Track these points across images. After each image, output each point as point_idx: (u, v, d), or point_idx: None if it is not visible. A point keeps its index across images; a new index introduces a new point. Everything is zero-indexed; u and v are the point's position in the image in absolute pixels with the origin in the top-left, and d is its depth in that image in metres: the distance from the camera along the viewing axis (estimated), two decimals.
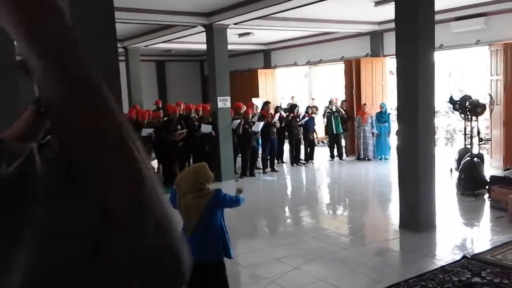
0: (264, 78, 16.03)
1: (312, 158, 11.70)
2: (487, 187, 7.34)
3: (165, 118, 10.35)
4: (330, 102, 12.13)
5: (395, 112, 8.09)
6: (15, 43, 0.48)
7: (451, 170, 8.86)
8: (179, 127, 9.74)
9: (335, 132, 11.81)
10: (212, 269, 3.38)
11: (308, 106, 12.23)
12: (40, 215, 0.47)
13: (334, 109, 11.87)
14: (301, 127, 11.37)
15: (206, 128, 9.78)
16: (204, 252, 3.33)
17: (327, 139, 12.73)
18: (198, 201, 3.33)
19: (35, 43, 0.46)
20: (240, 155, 10.52)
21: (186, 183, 3.39)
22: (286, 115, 11.41)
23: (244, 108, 10.98)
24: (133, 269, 0.48)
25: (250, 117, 10.69)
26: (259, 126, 10.28)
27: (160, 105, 13.16)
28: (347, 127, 12.00)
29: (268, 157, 10.82)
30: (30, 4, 0.45)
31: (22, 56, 0.48)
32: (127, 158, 0.50)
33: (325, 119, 12.22)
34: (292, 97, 14.67)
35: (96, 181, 0.48)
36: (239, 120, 10.16)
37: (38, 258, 0.46)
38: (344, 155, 12.08)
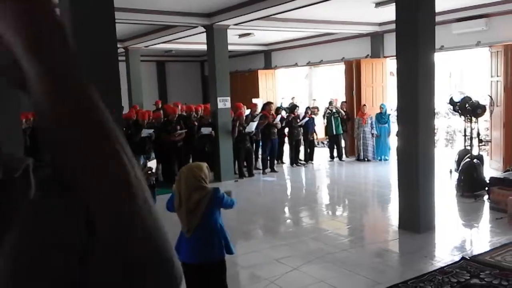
0: (265, 78, 16.04)
1: (312, 159, 11.70)
2: (486, 188, 7.34)
3: (165, 119, 10.35)
4: (330, 103, 12.13)
5: (395, 113, 8.10)
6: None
7: (450, 171, 8.86)
8: (178, 127, 9.75)
9: (335, 133, 11.81)
10: (213, 269, 3.37)
11: (308, 107, 12.23)
12: (24, 228, 0.47)
13: (334, 110, 11.87)
14: (301, 128, 11.37)
15: (206, 130, 9.78)
16: (205, 252, 3.33)
17: (327, 140, 12.73)
18: (197, 201, 3.32)
19: (37, 63, 0.46)
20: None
21: (186, 179, 3.36)
22: (287, 116, 11.41)
23: (244, 109, 10.98)
24: (119, 284, 0.48)
25: (250, 118, 10.69)
26: (252, 126, 10.28)
27: (160, 106, 13.16)
28: (347, 128, 12.00)
29: (268, 158, 10.82)
30: (33, 24, 0.45)
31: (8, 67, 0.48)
32: (117, 168, 0.49)
33: (325, 120, 12.22)
34: (293, 98, 14.67)
35: (82, 193, 0.48)
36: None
37: (16, 268, 0.46)
38: (344, 156, 12.08)
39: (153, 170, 2.53)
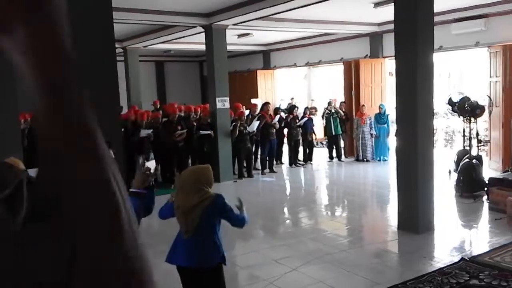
0: (263, 79, 16.03)
1: (311, 159, 11.69)
2: (485, 188, 7.34)
3: (164, 119, 10.34)
4: (329, 103, 12.13)
5: (394, 114, 8.09)
6: None
7: (449, 172, 8.85)
8: (179, 127, 9.73)
9: (334, 133, 11.81)
10: (207, 275, 3.27)
11: (307, 107, 12.22)
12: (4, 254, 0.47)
13: (333, 111, 11.86)
14: (300, 128, 11.36)
15: (204, 132, 9.77)
16: (199, 257, 3.24)
17: (326, 140, 12.73)
18: (195, 204, 3.24)
19: (42, 83, 0.47)
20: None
21: (187, 182, 3.30)
22: (286, 116, 11.41)
23: (243, 109, 10.97)
24: None
25: (250, 118, 10.68)
26: (254, 126, 10.27)
27: (158, 106, 13.14)
28: (345, 128, 11.99)
29: (267, 158, 10.81)
30: (39, 49, 0.47)
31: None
32: (107, 202, 0.49)
33: (324, 120, 12.21)
34: (292, 98, 14.66)
35: (70, 220, 0.47)
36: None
37: None
38: (343, 156, 12.08)
39: (152, 171, 2.51)
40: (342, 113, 11.84)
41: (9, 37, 0.46)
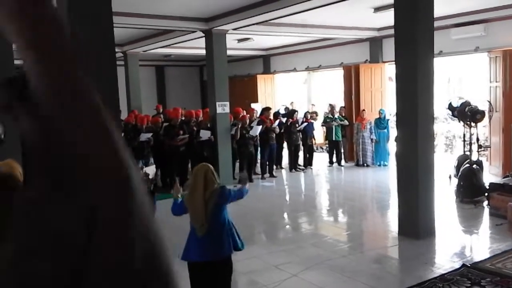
0: (263, 83, 16.03)
1: (311, 164, 11.67)
2: (486, 194, 7.31)
3: (165, 124, 10.32)
4: (332, 108, 12.08)
5: (394, 118, 8.08)
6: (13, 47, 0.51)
7: (450, 177, 8.83)
8: (181, 132, 9.72)
9: (334, 139, 11.79)
10: (221, 267, 3.47)
11: (307, 112, 12.21)
12: (22, 226, 0.47)
13: (336, 116, 11.81)
14: (300, 133, 11.35)
15: (205, 134, 9.75)
16: (216, 250, 3.43)
17: (327, 145, 12.71)
18: (207, 200, 3.42)
19: (35, 51, 0.48)
20: (238, 160, 10.49)
21: (203, 175, 3.48)
22: (286, 121, 11.40)
23: (243, 113, 10.96)
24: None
25: (248, 122, 10.67)
26: (257, 130, 10.26)
27: (161, 110, 13.13)
28: (345, 134, 11.98)
29: (267, 163, 10.79)
30: (29, 16, 0.48)
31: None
32: (118, 165, 0.50)
33: (323, 124, 12.18)
34: (291, 103, 14.65)
35: (84, 187, 0.48)
36: (235, 127, 10.13)
37: (16, 275, 0.46)
38: (343, 161, 12.06)
39: (150, 176, 2.52)
40: (347, 122, 11.78)
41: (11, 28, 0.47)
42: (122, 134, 7.88)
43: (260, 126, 10.36)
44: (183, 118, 10.77)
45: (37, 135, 0.50)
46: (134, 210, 0.50)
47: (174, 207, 3.66)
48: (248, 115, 11.09)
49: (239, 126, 10.05)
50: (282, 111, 13.01)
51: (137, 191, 0.50)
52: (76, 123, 0.49)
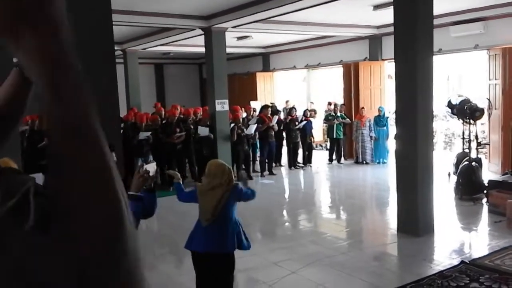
0: (263, 81, 16.03)
1: (310, 162, 11.68)
2: (485, 191, 7.33)
3: (163, 121, 10.32)
4: (335, 106, 12.07)
5: (393, 116, 8.08)
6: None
7: (449, 174, 8.85)
8: (177, 129, 9.72)
9: (335, 137, 11.79)
10: (222, 261, 3.51)
11: (306, 109, 12.20)
12: (11, 265, 0.47)
13: (338, 114, 11.80)
14: (299, 131, 11.35)
15: (203, 131, 9.74)
16: (218, 243, 3.48)
17: (326, 143, 12.71)
18: (221, 193, 3.49)
19: (49, 93, 0.49)
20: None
21: (225, 173, 3.56)
22: (284, 118, 11.40)
23: (241, 111, 10.96)
24: None
25: (246, 121, 10.66)
26: (252, 129, 10.25)
27: (162, 111, 13.06)
28: (345, 131, 11.99)
29: (266, 160, 10.79)
30: (48, 59, 0.49)
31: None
32: (110, 206, 0.49)
33: (325, 122, 12.17)
34: (287, 102, 14.56)
35: (74, 237, 0.47)
36: (256, 125, 10.15)
37: None
38: (342, 158, 12.07)
39: (151, 174, 2.50)
40: (349, 120, 11.77)
41: (13, 37, 0.47)
42: (121, 132, 7.87)
43: (256, 125, 10.34)
44: (181, 116, 10.77)
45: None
46: (124, 265, 0.49)
47: (182, 195, 3.71)
48: (245, 113, 11.08)
49: (236, 127, 10.03)
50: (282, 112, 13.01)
51: (128, 232, 0.49)
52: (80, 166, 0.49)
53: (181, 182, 3.79)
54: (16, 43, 0.48)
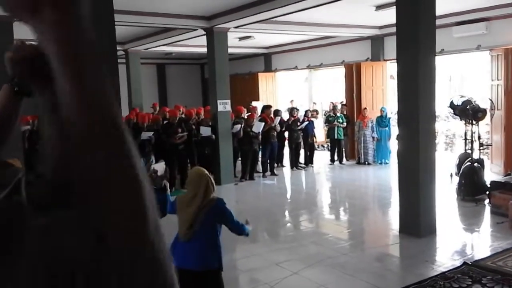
0: (265, 81, 16.03)
1: (312, 162, 11.67)
2: (487, 192, 7.31)
3: (165, 122, 10.32)
4: (335, 107, 12.06)
5: (396, 117, 8.07)
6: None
7: (451, 175, 8.83)
8: (179, 130, 9.72)
9: (336, 137, 11.78)
10: (207, 277, 3.26)
11: (308, 110, 12.20)
12: (32, 247, 0.47)
13: (338, 115, 11.79)
14: (301, 131, 11.35)
15: (205, 131, 9.75)
16: (199, 259, 3.23)
17: (327, 143, 12.69)
18: (201, 207, 3.25)
19: (68, 73, 0.50)
20: (240, 158, 10.49)
21: (202, 182, 3.29)
22: (287, 119, 11.39)
23: (245, 112, 10.96)
24: None
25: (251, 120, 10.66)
26: (260, 126, 10.25)
27: (158, 108, 13.09)
28: (347, 132, 11.97)
29: (268, 161, 10.79)
30: (66, 35, 0.50)
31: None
32: (136, 192, 0.50)
33: (326, 124, 12.15)
34: (291, 101, 14.62)
35: (96, 205, 0.48)
36: (240, 125, 10.14)
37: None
38: (344, 159, 12.05)
39: (159, 173, 2.50)
40: (346, 123, 11.72)
41: (33, 14, 0.48)
42: None
43: (263, 123, 10.36)
44: (183, 116, 10.77)
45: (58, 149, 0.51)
46: (148, 241, 0.50)
47: (168, 207, 3.49)
48: (254, 114, 11.10)
49: (243, 125, 10.03)
50: (283, 110, 13.02)
51: (152, 216, 0.50)
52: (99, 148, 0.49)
53: (168, 192, 3.56)
54: (36, 19, 0.48)
